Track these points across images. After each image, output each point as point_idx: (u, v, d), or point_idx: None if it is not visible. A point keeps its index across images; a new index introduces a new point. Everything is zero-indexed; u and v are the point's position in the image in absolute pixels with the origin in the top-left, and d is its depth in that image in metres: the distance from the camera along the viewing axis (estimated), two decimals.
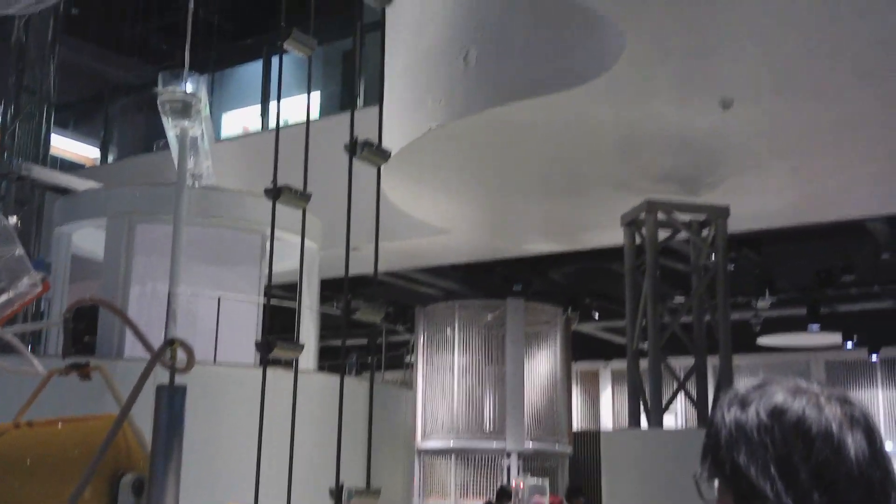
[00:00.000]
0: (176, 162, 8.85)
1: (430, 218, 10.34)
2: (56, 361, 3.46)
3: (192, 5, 8.27)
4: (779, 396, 1.21)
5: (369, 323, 5.28)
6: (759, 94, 6.91)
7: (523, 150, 8.27)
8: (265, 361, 5.48)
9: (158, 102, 8.64)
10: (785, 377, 1.27)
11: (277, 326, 9.76)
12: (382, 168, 5.55)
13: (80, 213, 9.86)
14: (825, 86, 6.76)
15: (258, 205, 9.21)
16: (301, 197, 5.75)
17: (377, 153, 5.19)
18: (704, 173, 8.41)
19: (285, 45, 5.69)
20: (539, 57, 7.02)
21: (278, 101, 6.55)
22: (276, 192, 5.61)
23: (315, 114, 13.67)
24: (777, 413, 1.19)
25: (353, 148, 5.02)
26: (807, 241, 12.46)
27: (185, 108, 8.52)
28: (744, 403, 1.23)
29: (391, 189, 8.77)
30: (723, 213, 8.40)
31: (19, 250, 5.40)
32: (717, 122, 7.28)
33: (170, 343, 2.87)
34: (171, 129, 8.91)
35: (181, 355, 2.91)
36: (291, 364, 5.97)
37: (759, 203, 9.21)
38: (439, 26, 7.73)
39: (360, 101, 12.40)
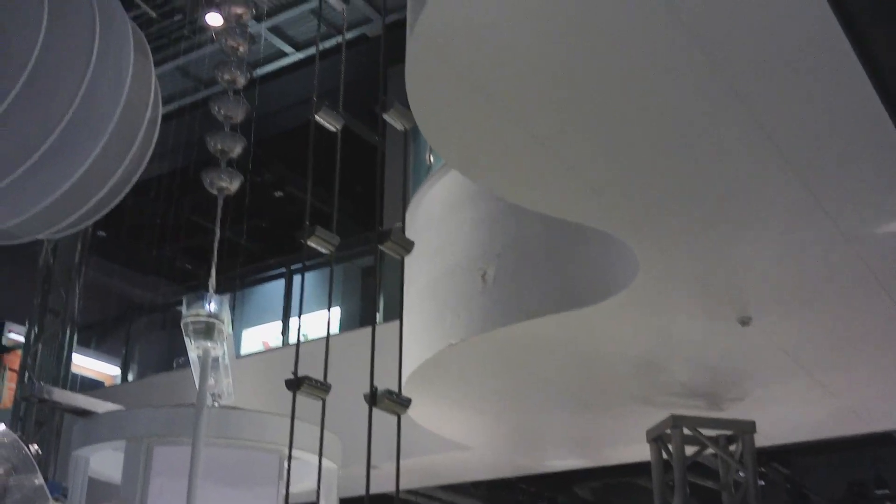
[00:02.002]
0: (197, 382, 8.84)
1: (451, 434, 10.20)
2: None
3: (218, 232, 8.51)
4: None
5: None
6: (778, 309, 6.95)
7: (543, 366, 8.26)
8: None
9: (182, 324, 8.74)
10: None
11: None
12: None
13: (98, 436, 9.77)
14: (847, 299, 6.79)
15: (277, 424, 9.12)
16: (321, 387, 5.74)
17: (398, 402, 5.21)
18: (727, 388, 8.34)
19: (309, 242, 5.81)
20: (555, 277, 7.14)
21: (302, 284, 6.60)
22: (296, 383, 5.61)
23: (335, 329, 13.79)
24: None
25: (374, 398, 5.06)
26: (837, 453, 12.18)
27: (208, 330, 8.60)
28: None
29: (411, 405, 8.70)
30: (749, 427, 8.26)
31: (38, 479, 5.36)
32: (737, 338, 7.29)
33: None
34: (193, 350, 8.96)
35: None
36: None
37: (785, 417, 9.07)
38: (458, 247, 7.91)
39: (379, 317, 12.52)
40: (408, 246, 5.48)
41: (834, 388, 8.44)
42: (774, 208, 5.61)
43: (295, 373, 5.66)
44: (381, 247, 5.38)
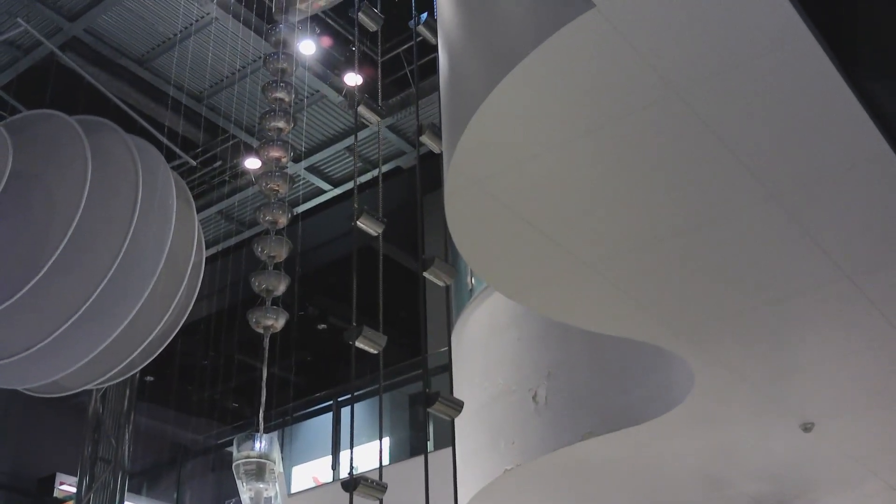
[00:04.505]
0: None
1: None
2: None
3: (265, 371, 8.53)
4: None
5: None
6: (844, 413, 6.76)
7: (603, 486, 8.06)
8: None
9: (233, 466, 8.67)
10: None
11: None
12: None
13: None
14: None
15: None
16: (377, 488, 5.68)
17: None
18: (795, 497, 8.07)
19: (356, 343, 5.81)
20: (608, 394, 7.03)
21: (352, 407, 6.54)
22: (353, 484, 5.55)
23: (385, 460, 13.60)
24: None
25: None
26: None
27: (259, 471, 8.53)
28: None
29: None
30: None
31: None
32: (800, 445, 7.09)
33: None
34: (245, 492, 8.87)
35: None
36: None
37: None
38: (506, 369, 7.84)
39: (430, 445, 12.36)
40: (458, 407, 5.48)
41: None
42: (828, 312, 5.52)
43: (351, 473, 5.64)
44: (430, 409, 5.39)
